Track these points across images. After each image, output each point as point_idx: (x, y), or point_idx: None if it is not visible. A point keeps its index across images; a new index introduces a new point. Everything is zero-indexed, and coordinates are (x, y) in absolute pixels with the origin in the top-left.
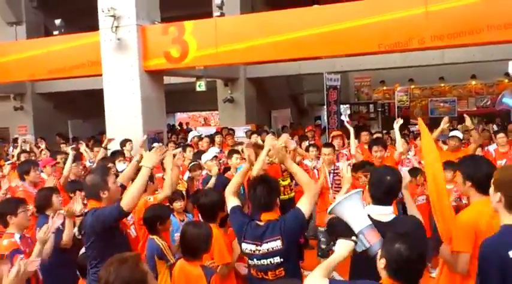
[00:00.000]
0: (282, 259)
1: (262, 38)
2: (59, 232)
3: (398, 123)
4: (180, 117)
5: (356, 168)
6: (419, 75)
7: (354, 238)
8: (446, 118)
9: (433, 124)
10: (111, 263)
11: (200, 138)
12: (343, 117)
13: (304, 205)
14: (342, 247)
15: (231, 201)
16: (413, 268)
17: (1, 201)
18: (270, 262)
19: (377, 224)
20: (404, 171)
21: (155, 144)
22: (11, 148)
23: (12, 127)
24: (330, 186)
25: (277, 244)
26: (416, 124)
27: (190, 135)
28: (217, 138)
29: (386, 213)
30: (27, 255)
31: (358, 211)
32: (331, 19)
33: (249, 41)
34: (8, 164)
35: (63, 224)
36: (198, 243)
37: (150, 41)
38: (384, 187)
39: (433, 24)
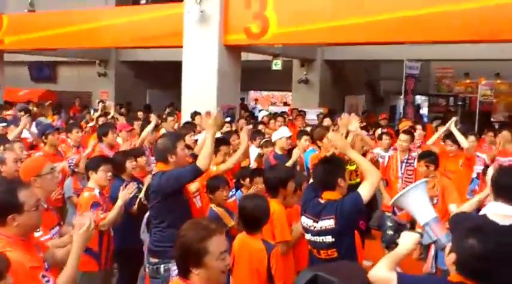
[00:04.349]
0: (333, 239)
1: (345, 19)
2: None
3: (452, 121)
4: (254, 95)
5: (421, 156)
6: (508, 69)
7: (418, 230)
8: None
9: None
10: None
11: (270, 117)
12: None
13: (364, 190)
14: (407, 240)
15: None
16: (487, 268)
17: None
18: (323, 240)
19: (490, 224)
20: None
21: (227, 119)
22: (92, 111)
23: (95, 92)
24: (400, 175)
25: (330, 223)
26: (498, 121)
27: (261, 114)
28: (280, 118)
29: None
30: (104, 211)
31: (424, 202)
32: (419, 3)
33: (330, 21)
34: (90, 126)
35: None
36: (258, 215)
37: (231, 14)
38: None
39: None
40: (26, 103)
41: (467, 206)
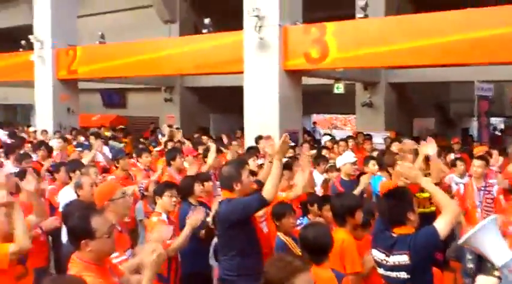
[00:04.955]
0: (408, 276)
1: (407, 42)
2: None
3: None
4: (316, 118)
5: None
6: None
7: (496, 273)
8: None
9: None
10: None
11: (335, 141)
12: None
13: (441, 225)
14: None
15: None
16: None
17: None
18: (397, 275)
19: None
20: None
21: (291, 144)
22: (159, 135)
23: (162, 117)
24: (478, 204)
25: (404, 259)
26: None
27: (324, 138)
28: (350, 142)
29: None
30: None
31: (497, 242)
32: (486, 23)
33: (392, 44)
34: (157, 151)
35: None
36: (321, 243)
37: (291, 41)
38: None
39: None
40: (98, 128)
41: None
